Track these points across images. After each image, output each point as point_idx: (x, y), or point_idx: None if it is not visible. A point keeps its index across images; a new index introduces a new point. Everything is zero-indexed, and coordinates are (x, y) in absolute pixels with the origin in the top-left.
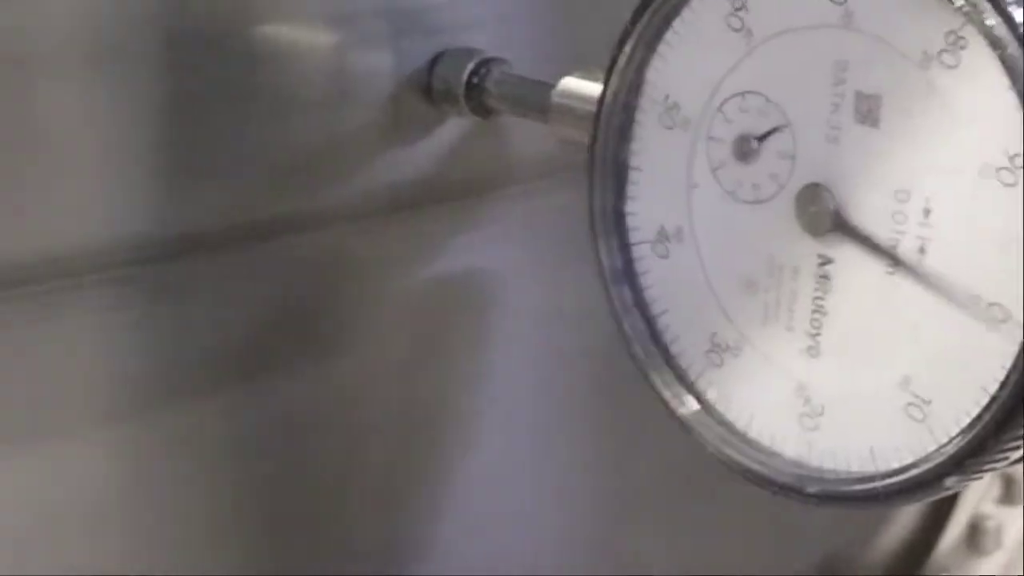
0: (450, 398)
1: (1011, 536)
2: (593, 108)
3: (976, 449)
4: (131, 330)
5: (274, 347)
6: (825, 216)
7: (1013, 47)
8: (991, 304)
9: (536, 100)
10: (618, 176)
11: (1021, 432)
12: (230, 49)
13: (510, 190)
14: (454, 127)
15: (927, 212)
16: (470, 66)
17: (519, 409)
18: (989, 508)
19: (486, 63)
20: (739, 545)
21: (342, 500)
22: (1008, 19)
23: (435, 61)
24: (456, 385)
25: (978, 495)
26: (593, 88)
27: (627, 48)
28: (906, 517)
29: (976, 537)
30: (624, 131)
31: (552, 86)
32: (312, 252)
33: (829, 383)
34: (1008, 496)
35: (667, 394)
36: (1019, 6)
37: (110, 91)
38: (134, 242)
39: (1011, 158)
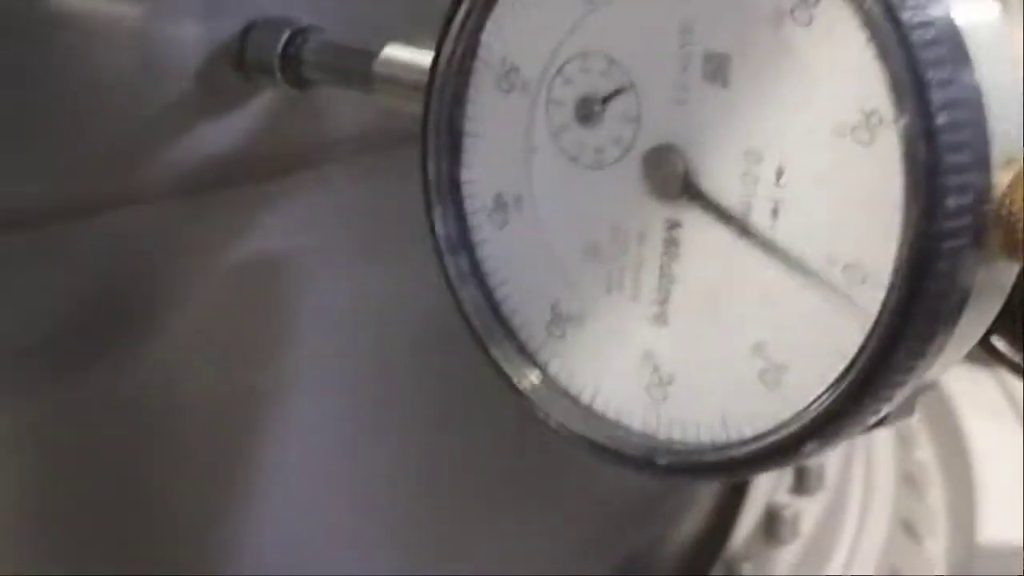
0: (260, 384)
1: (808, 524)
2: (419, 76)
3: (835, 414)
4: None
5: (85, 332)
6: (674, 179)
7: (871, 2)
8: (848, 265)
9: (358, 70)
10: (453, 143)
11: (881, 396)
12: (22, 22)
13: (324, 168)
14: (267, 100)
15: (780, 174)
16: (285, 35)
17: (330, 398)
18: (784, 498)
19: (302, 32)
20: (541, 548)
21: (159, 490)
22: None
23: (247, 31)
24: (267, 372)
25: (771, 485)
26: (418, 55)
27: (461, 10)
28: (700, 510)
29: (773, 526)
30: (459, 96)
31: (374, 55)
32: (121, 233)
33: (678, 351)
34: (802, 486)
35: (508, 367)
36: None
37: None
38: None
39: (867, 115)
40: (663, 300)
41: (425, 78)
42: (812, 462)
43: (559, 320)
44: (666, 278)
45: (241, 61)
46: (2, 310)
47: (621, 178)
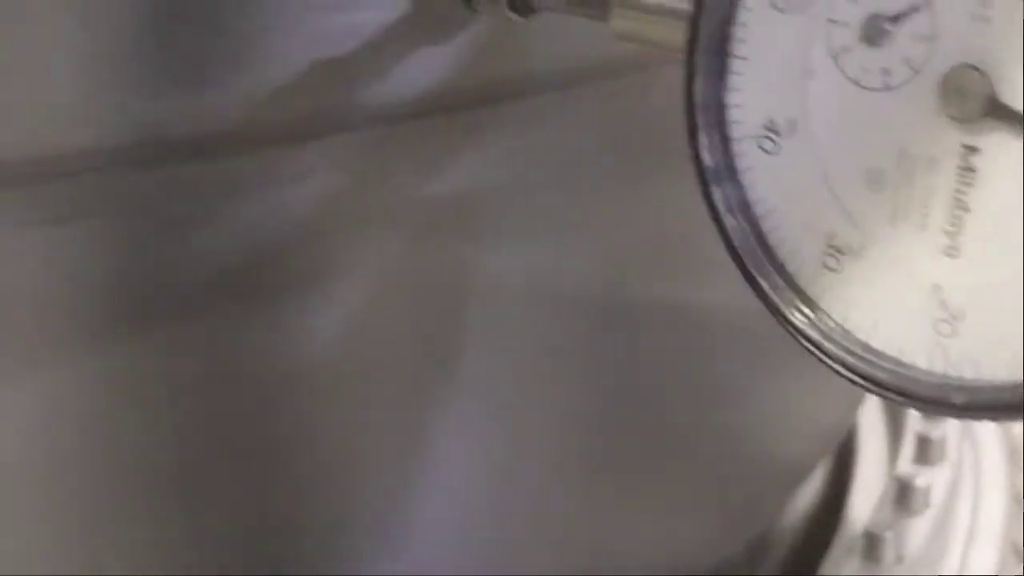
0: (429, 349)
1: (937, 495)
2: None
3: None
4: (83, 243)
5: (267, 268)
6: (975, 100)
7: None
8: None
9: None
10: (720, 66)
11: None
12: None
13: (533, 100)
14: (484, 27)
15: None
16: None
17: (496, 369)
18: (909, 468)
19: None
20: (662, 534)
21: (288, 462)
22: None
23: None
24: (446, 321)
25: (884, 457)
26: None
27: None
28: (816, 483)
29: (905, 497)
30: (728, 16)
31: None
32: (322, 162)
33: (970, 284)
34: (925, 457)
35: (777, 301)
36: None
37: None
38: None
39: None
40: (955, 230)
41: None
42: (935, 432)
43: (834, 251)
44: (959, 207)
45: None
46: (210, 226)
47: (911, 100)
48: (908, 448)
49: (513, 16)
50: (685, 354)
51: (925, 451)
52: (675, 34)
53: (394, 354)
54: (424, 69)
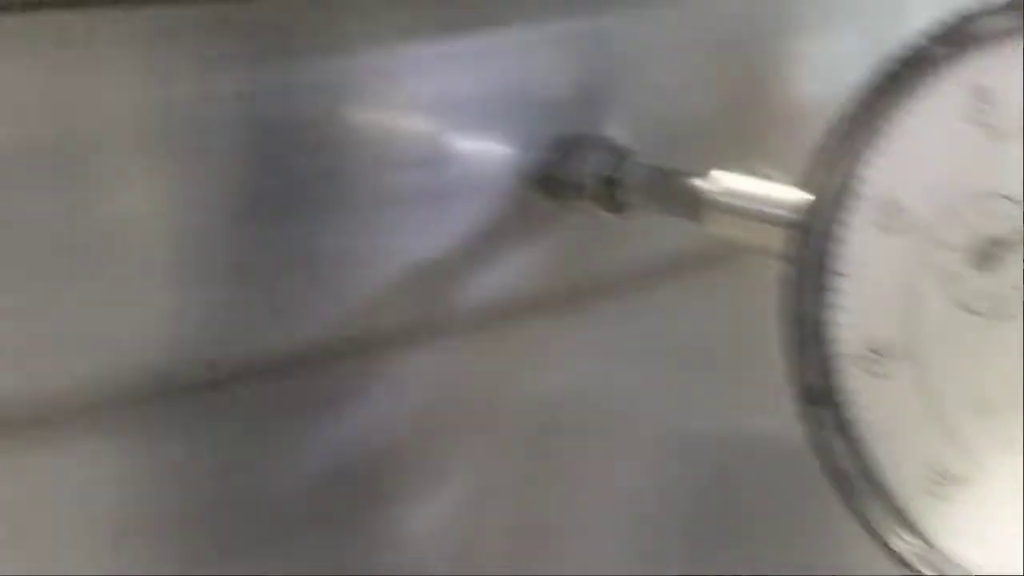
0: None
1: None
2: (755, 205)
3: None
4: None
5: (375, 478)
6: None
7: None
8: None
9: (686, 195)
10: (823, 283)
11: None
12: (319, 146)
13: (626, 298)
14: (575, 225)
15: None
16: (603, 157)
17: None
18: None
19: (619, 153)
20: None
21: None
22: None
23: (563, 152)
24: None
25: None
26: (752, 183)
27: (843, 141)
28: None
29: None
30: (833, 233)
31: (703, 180)
32: (420, 369)
33: None
34: None
35: (880, 528)
36: None
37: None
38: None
39: None
40: None
41: (765, 209)
42: None
43: (941, 480)
44: None
45: (555, 183)
46: (311, 440)
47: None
48: None
49: (605, 215)
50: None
51: None
52: (770, 239)
53: (502, 547)
54: (520, 267)
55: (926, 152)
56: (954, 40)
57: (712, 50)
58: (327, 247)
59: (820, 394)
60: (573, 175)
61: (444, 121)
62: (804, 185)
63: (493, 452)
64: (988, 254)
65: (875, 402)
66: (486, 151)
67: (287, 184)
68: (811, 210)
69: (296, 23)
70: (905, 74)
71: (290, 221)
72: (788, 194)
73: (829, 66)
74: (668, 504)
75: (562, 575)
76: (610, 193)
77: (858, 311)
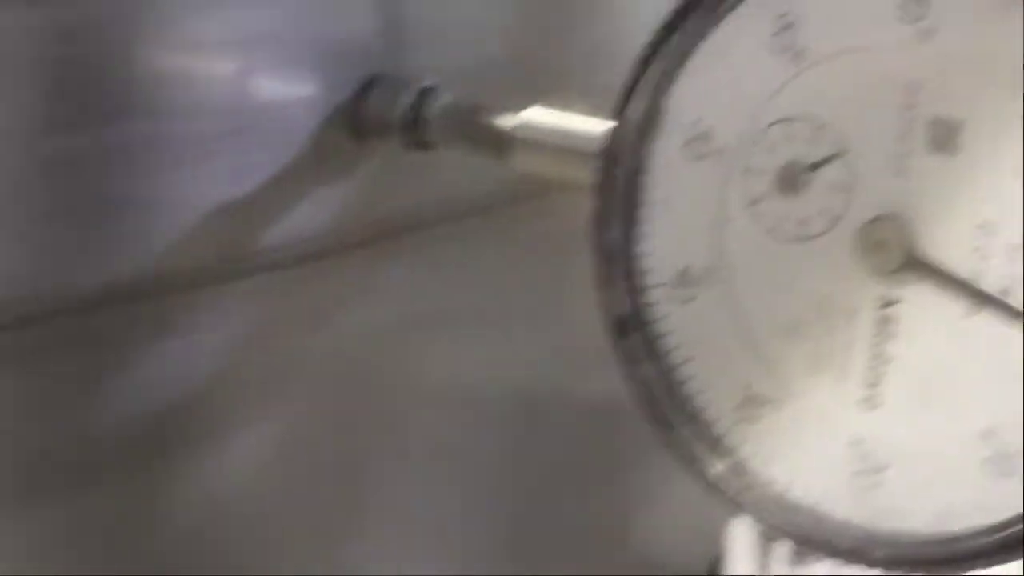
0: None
1: None
2: (563, 141)
3: None
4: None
5: (188, 410)
6: (894, 253)
7: None
8: None
9: (494, 133)
10: (631, 212)
11: None
12: (116, 86)
13: (433, 231)
14: (380, 163)
15: (1018, 247)
16: (408, 96)
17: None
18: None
19: (425, 91)
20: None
21: None
22: None
23: (365, 91)
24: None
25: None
26: (562, 118)
27: (649, 70)
28: None
29: None
30: (640, 163)
31: (511, 117)
32: (225, 308)
33: (891, 437)
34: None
35: (692, 452)
36: None
37: None
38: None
39: None
40: (875, 382)
41: (570, 142)
42: None
43: (752, 402)
44: (879, 358)
45: (359, 122)
46: (116, 381)
47: (828, 251)
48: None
49: (410, 153)
50: (584, 450)
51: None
52: (580, 173)
53: (309, 489)
54: (321, 209)
55: (731, 79)
56: None
57: None
58: (126, 190)
59: (630, 323)
60: (377, 114)
61: (243, 62)
62: (611, 117)
63: (299, 393)
64: (793, 178)
65: (684, 328)
66: (288, 92)
67: (83, 126)
68: (617, 140)
69: None
70: (708, 2)
71: (89, 163)
72: (595, 126)
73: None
74: (474, 448)
75: (369, 519)
76: (415, 131)
77: (666, 239)
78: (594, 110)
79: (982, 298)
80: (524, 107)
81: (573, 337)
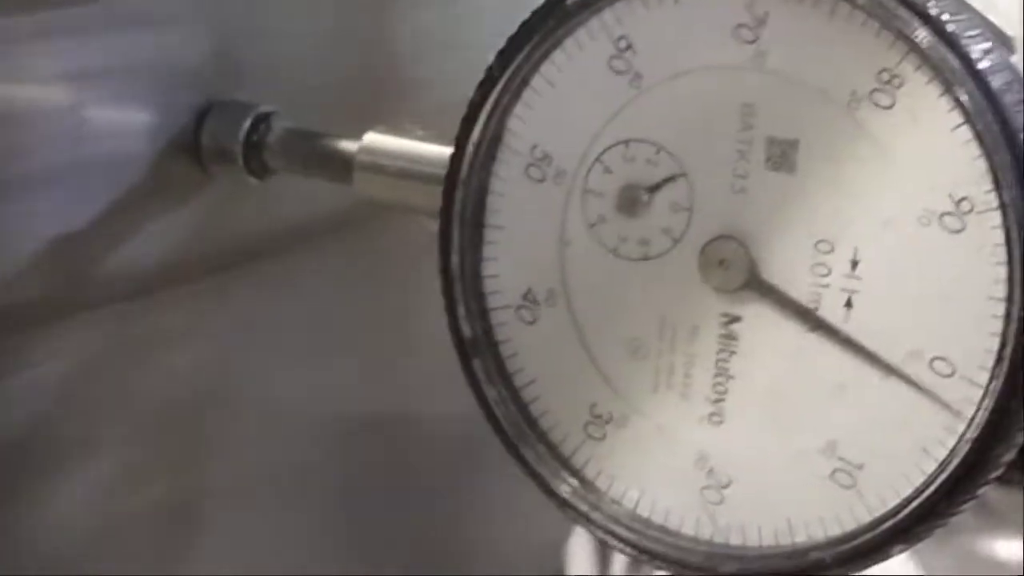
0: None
1: None
2: (405, 164)
3: (924, 515)
4: None
5: (30, 448)
6: (736, 271)
7: (969, 85)
8: (934, 359)
9: (334, 158)
10: (476, 236)
11: (977, 492)
12: None
13: (280, 259)
14: (222, 190)
15: (854, 264)
16: (246, 121)
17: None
18: None
19: (263, 117)
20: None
21: None
22: (963, 57)
23: (203, 117)
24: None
25: None
26: (404, 143)
27: (492, 95)
28: None
29: None
30: (483, 186)
31: (352, 142)
32: (67, 343)
33: (736, 452)
34: None
35: (541, 471)
36: (980, 41)
37: None
38: None
39: (957, 202)
40: (718, 398)
41: (412, 167)
42: None
43: (598, 421)
44: (722, 375)
45: (197, 150)
46: None
47: (670, 270)
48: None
49: (250, 179)
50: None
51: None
52: (424, 198)
53: (147, 523)
54: (163, 238)
55: (570, 102)
56: None
57: (354, 12)
58: None
59: (476, 345)
60: (215, 140)
61: (76, 93)
62: (455, 142)
63: (135, 427)
64: (633, 200)
65: (528, 349)
66: (123, 122)
67: None
68: (462, 164)
69: None
70: (546, 25)
71: None
72: (438, 151)
73: (477, 24)
74: (316, 481)
75: (207, 554)
76: (255, 157)
77: (510, 261)
78: (433, 135)
79: (815, 321)
80: (362, 132)
81: (421, 357)
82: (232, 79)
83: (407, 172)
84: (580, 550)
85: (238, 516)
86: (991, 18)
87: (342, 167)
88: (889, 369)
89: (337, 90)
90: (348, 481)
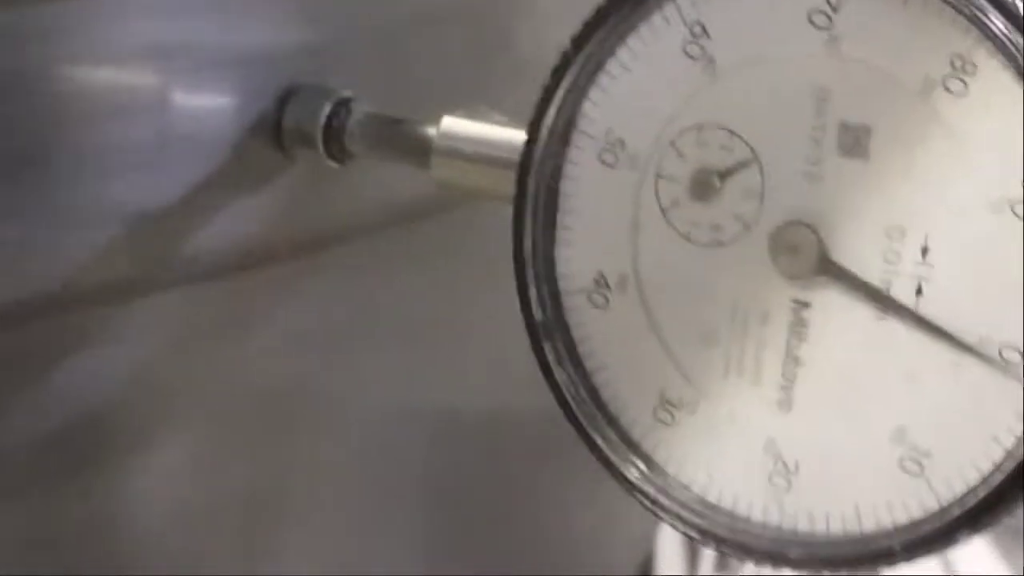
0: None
1: None
2: (482, 149)
3: (992, 503)
4: None
5: (116, 420)
6: (807, 257)
7: None
8: (1004, 346)
9: (413, 143)
10: (549, 220)
11: None
12: (36, 97)
13: (357, 243)
14: (303, 173)
15: (925, 251)
16: (327, 106)
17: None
18: None
19: (344, 102)
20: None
21: None
22: None
23: (285, 101)
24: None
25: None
26: (481, 128)
27: (566, 79)
28: None
29: None
30: (557, 170)
31: (430, 127)
32: (150, 320)
33: (804, 438)
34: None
35: (610, 455)
36: None
37: None
38: None
39: None
40: (788, 384)
41: (489, 152)
42: None
43: (667, 406)
44: (792, 361)
45: (279, 132)
46: (31, 396)
47: (741, 256)
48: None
49: (330, 163)
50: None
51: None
52: (499, 183)
53: (231, 505)
54: (243, 219)
55: (644, 87)
56: None
57: None
58: (43, 199)
59: (548, 328)
60: (297, 124)
61: (163, 72)
62: (529, 126)
63: (218, 407)
64: (705, 185)
65: (599, 333)
66: (208, 101)
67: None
68: (536, 149)
69: None
70: (622, 10)
71: (3, 172)
72: (514, 136)
73: (558, 13)
74: (393, 469)
75: (292, 535)
76: (335, 142)
77: (583, 245)
78: (513, 121)
79: (889, 303)
80: (444, 116)
81: (500, 346)
82: (316, 62)
83: (483, 157)
84: (669, 548)
85: (317, 505)
86: None
87: (421, 152)
88: (963, 352)
89: (420, 78)
90: (433, 472)
